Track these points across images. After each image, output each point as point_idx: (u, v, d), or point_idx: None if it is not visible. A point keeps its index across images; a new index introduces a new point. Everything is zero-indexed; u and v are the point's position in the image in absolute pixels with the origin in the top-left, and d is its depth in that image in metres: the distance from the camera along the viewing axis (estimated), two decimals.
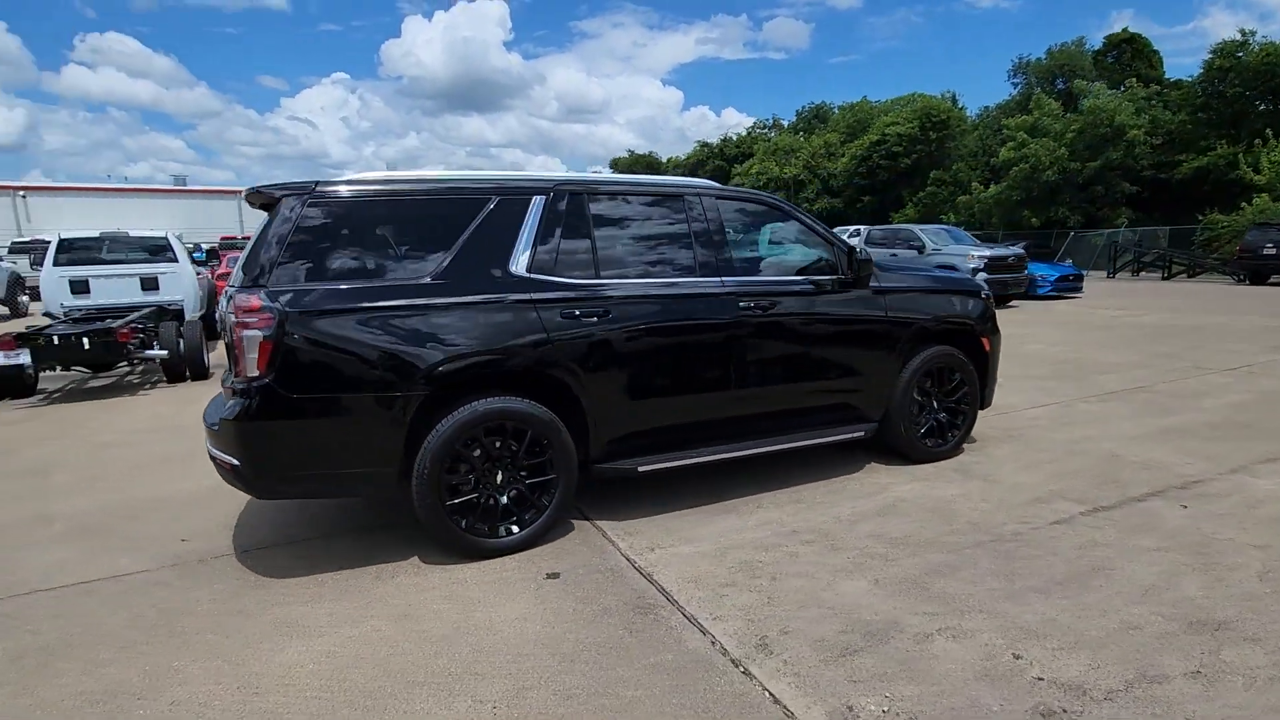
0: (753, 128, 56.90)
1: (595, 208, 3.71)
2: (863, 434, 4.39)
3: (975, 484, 4.28)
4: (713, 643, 2.65)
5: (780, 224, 4.38)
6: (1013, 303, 15.63)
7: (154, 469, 5.14)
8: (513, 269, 3.44)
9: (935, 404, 4.71)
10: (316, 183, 3.23)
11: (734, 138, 55.05)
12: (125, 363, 9.07)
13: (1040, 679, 2.37)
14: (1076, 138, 29.68)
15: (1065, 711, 2.20)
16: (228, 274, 12.60)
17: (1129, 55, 37.17)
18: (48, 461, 5.46)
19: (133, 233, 11.08)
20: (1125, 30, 38.27)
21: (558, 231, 3.58)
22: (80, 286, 10.45)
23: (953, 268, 14.97)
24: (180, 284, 10.61)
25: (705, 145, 55.96)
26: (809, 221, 4.39)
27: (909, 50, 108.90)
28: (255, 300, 3.00)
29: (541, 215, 3.56)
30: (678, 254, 3.88)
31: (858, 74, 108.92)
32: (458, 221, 3.42)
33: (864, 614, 2.82)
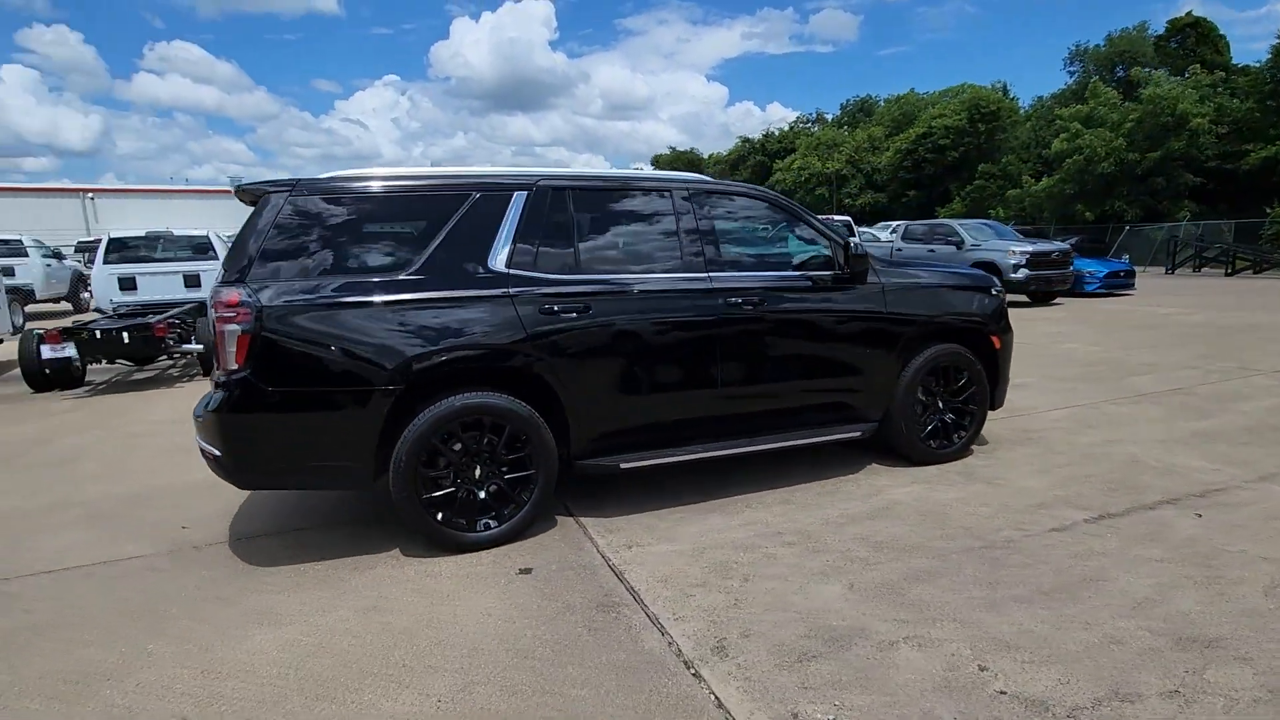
0: (795, 122, 56.16)
1: (579, 203, 3.69)
2: (860, 434, 4.27)
3: (977, 487, 4.12)
4: (669, 644, 2.61)
5: (775, 218, 4.28)
6: (1057, 300, 15.05)
7: (173, 458, 5.34)
8: (491, 264, 3.45)
9: (941, 404, 4.55)
10: (298, 180, 3.29)
11: (775, 133, 54.34)
12: (165, 356, 9.46)
13: (1003, 693, 2.26)
14: (1135, 127, 28.34)
15: None
16: None
17: (1193, 40, 35.33)
18: (80, 450, 5.72)
19: (177, 232, 11.56)
20: (1189, 14, 36.36)
21: (539, 227, 3.57)
22: (128, 283, 10.96)
23: (992, 264, 14.49)
24: None
25: (746, 141, 55.46)
26: (804, 215, 4.28)
27: (960, 41, 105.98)
28: (234, 295, 3.08)
29: (523, 211, 3.56)
30: (663, 249, 3.83)
31: (907, 65, 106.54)
32: (439, 217, 3.45)
33: (831, 619, 2.74)
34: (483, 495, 3.46)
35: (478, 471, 3.45)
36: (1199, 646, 2.48)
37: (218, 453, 3.19)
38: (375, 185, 3.41)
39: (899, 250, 16.60)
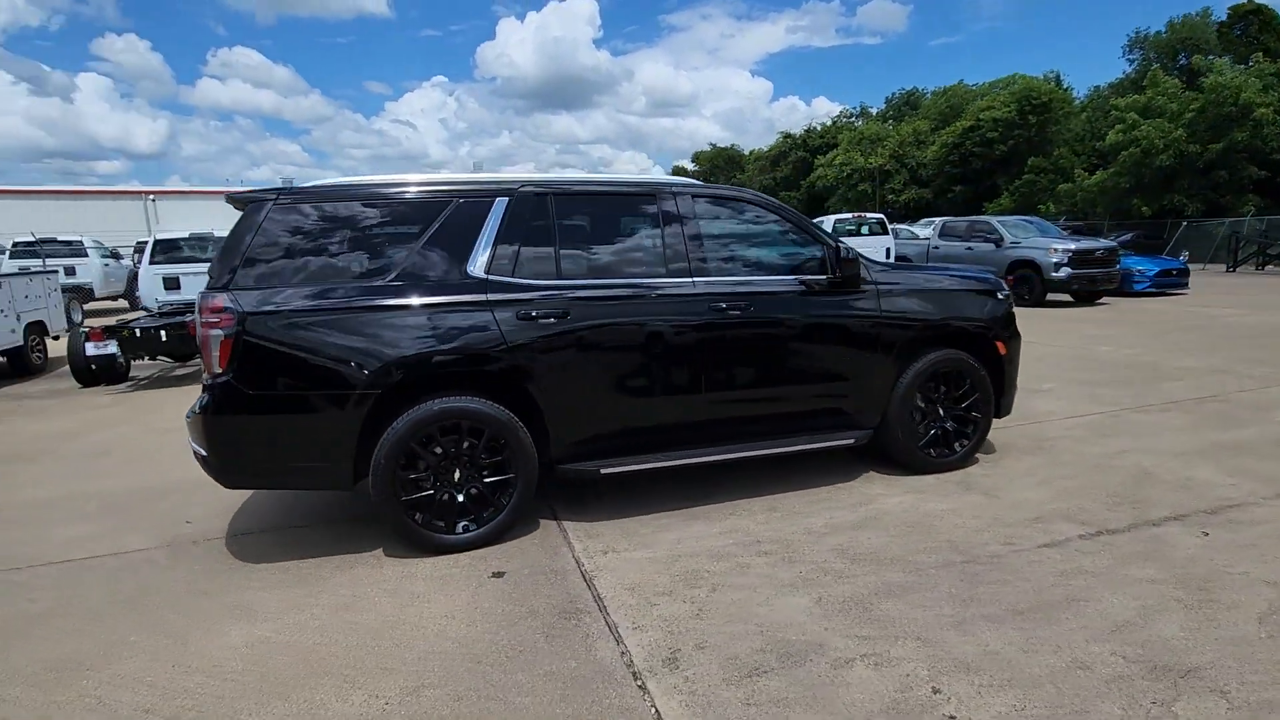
0: (838, 117, 55.11)
1: (561, 208, 3.70)
2: (853, 441, 4.18)
3: (973, 498, 3.99)
4: (622, 653, 2.61)
5: (764, 222, 4.20)
6: (1103, 300, 14.45)
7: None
8: (470, 270, 3.49)
9: (941, 411, 4.42)
10: (281, 189, 3.38)
11: (817, 128, 53.45)
12: None
13: (952, 717, 2.19)
14: (1196, 118, 26.98)
15: None
16: None
17: (1255, 28, 33.42)
18: (110, 444, 6.00)
19: (217, 233, 12.01)
20: (1251, 1, 34.35)
21: (519, 233, 3.59)
22: (172, 282, 11.44)
23: (1032, 262, 14.03)
24: None
25: (788, 136, 54.61)
26: (796, 219, 4.21)
27: (1014, 29, 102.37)
28: (218, 301, 3.19)
29: (503, 217, 3.58)
30: (647, 254, 3.82)
31: (957, 56, 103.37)
32: (419, 224, 3.50)
33: (791, 633, 2.69)
34: (462, 498, 3.51)
35: (457, 475, 3.49)
36: (1173, 676, 2.35)
37: (205, 453, 3.31)
38: (356, 193, 3.48)
39: (935, 248, 16.17)
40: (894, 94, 56.72)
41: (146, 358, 9.28)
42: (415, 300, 3.37)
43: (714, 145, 69.03)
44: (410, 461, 3.40)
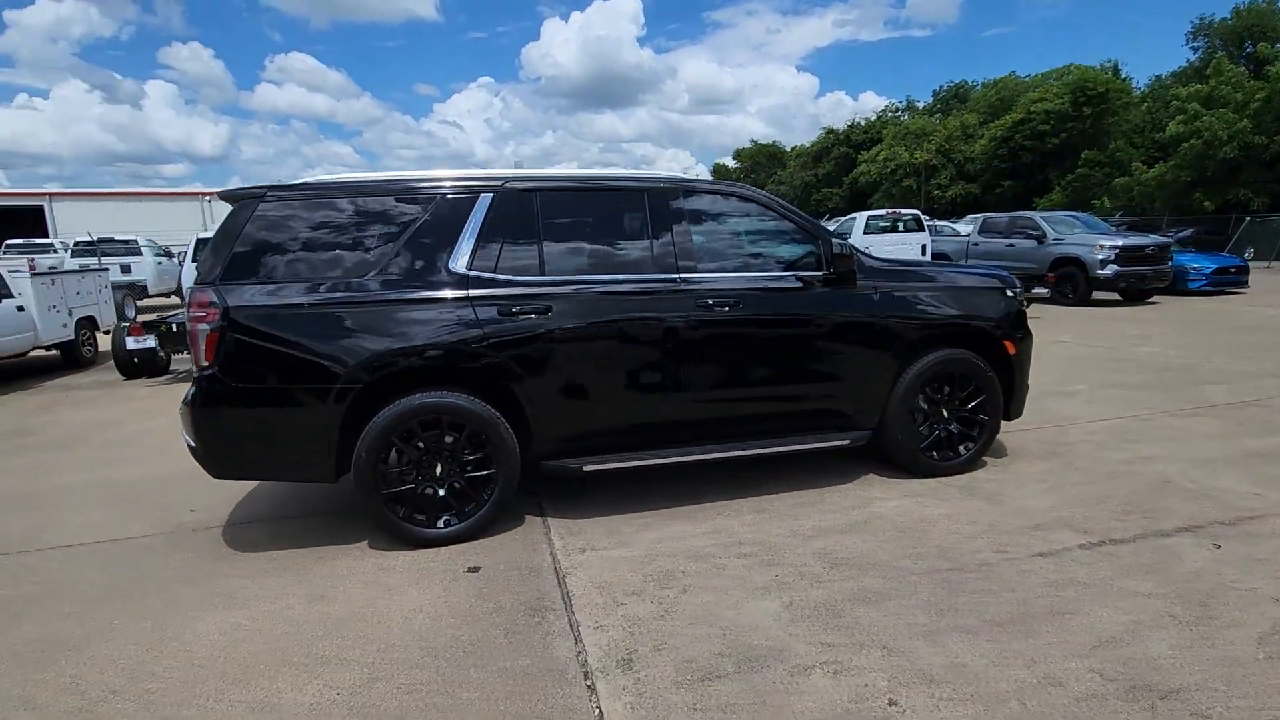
0: (883, 111, 53.83)
1: (545, 204, 3.68)
2: (848, 443, 4.06)
3: (973, 504, 3.83)
4: (579, 653, 2.58)
5: (757, 217, 4.11)
6: (1153, 299, 13.79)
7: None
8: (453, 266, 3.50)
9: (945, 413, 4.26)
10: (271, 185, 3.45)
11: (861, 123, 52.33)
12: None
13: None
14: (1262, 108, 25.53)
15: None
16: None
17: None
18: (139, 434, 6.25)
19: None
20: None
21: (503, 229, 3.59)
22: None
23: (1076, 259, 13.47)
24: None
25: (831, 132, 53.53)
26: (790, 214, 4.10)
27: (1070, 18, 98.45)
28: (205, 295, 3.27)
29: (487, 213, 3.59)
30: (632, 250, 3.77)
31: (1011, 47, 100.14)
32: (403, 220, 3.53)
33: (754, 638, 2.62)
34: (443, 493, 3.53)
35: (438, 469, 3.52)
36: (1152, 696, 2.21)
37: (194, 444, 3.40)
38: (342, 190, 3.52)
39: (975, 245, 15.67)
40: (942, 87, 55.19)
41: (185, 351, 9.66)
42: (397, 295, 3.40)
43: (755, 142, 68.32)
44: (391, 455, 3.43)
